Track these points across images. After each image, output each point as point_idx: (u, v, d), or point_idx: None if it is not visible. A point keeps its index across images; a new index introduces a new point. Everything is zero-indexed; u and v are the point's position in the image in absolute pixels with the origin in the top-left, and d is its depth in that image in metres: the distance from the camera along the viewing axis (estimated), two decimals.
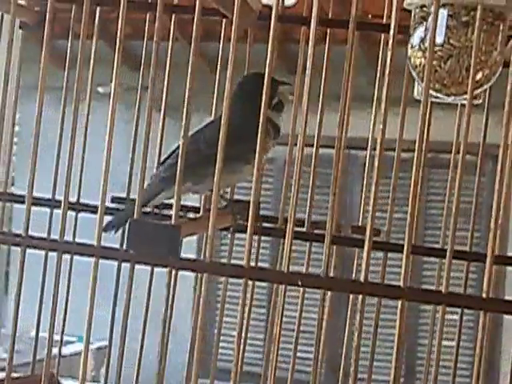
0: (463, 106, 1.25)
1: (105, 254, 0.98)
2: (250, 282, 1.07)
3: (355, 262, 1.23)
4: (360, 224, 1.26)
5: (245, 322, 1.25)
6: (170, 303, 1.25)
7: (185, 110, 0.93)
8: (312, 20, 0.92)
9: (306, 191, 1.21)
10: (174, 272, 1.13)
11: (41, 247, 1.05)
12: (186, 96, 0.94)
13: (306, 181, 1.21)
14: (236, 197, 1.28)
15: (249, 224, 0.91)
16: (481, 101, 1.21)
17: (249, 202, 1.24)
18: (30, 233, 1.05)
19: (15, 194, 1.25)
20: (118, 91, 1.30)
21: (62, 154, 1.26)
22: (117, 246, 1.11)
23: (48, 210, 1.27)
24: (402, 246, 1.23)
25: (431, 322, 1.21)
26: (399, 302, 0.89)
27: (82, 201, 1.29)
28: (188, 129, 0.94)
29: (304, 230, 1.24)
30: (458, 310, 1.02)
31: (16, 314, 1.11)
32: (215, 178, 0.92)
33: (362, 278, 0.89)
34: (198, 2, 0.93)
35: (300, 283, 0.91)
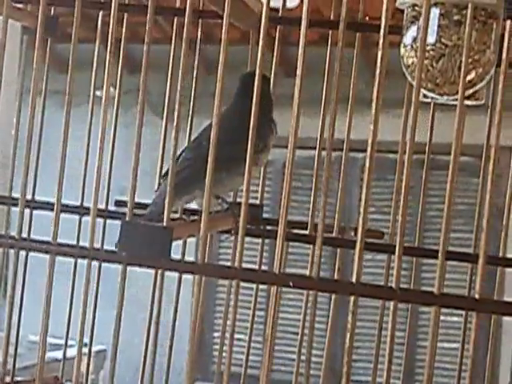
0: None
1: (97, 255, 0.98)
2: (254, 286, 1.07)
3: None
4: None
5: (248, 325, 1.25)
6: (170, 305, 1.24)
7: (176, 113, 0.93)
8: (302, 21, 0.91)
9: (308, 193, 1.21)
10: (178, 275, 1.13)
11: (34, 249, 1.05)
12: (178, 97, 0.93)
13: (308, 183, 1.21)
14: (238, 199, 1.28)
15: (240, 225, 0.91)
16: (482, 102, 1.21)
17: (251, 205, 1.24)
18: (32, 236, 1.05)
19: (15, 197, 1.25)
20: (117, 94, 1.30)
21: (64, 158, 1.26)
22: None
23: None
24: (406, 248, 1.23)
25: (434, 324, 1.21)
26: (391, 303, 0.88)
27: (85, 204, 1.29)
28: (179, 131, 0.93)
29: (307, 232, 1.24)
30: (457, 312, 1.02)
31: (10, 317, 1.11)
32: (207, 180, 0.91)
33: (354, 279, 0.88)
34: (188, 3, 0.93)
35: (291, 284, 0.91)
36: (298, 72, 0.91)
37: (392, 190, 1.22)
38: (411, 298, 0.91)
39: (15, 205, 1.24)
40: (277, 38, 1.27)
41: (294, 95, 0.91)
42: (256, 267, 1.22)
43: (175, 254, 0.99)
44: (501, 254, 1.21)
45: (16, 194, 1.11)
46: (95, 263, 1.03)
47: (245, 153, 0.90)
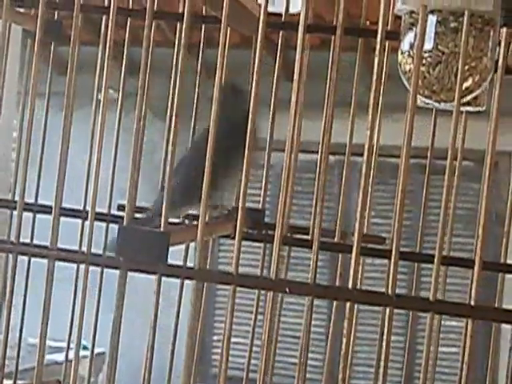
0: (462, 112, 1.26)
1: (94, 260, 0.98)
2: (256, 291, 1.07)
3: (360, 270, 1.22)
4: (364, 232, 1.26)
5: (250, 329, 1.25)
6: (171, 310, 1.24)
7: (173, 119, 0.93)
8: (300, 27, 0.91)
9: (310, 197, 1.21)
10: (180, 281, 1.13)
11: (33, 254, 1.05)
12: (175, 101, 0.94)
13: (309, 187, 1.21)
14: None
15: (237, 230, 0.91)
16: (484, 108, 1.21)
17: (251, 210, 1.24)
18: (37, 240, 1.05)
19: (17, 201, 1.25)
20: (120, 97, 1.30)
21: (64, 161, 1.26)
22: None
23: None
24: (406, 253, 1.23)
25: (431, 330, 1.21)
26: (387, 310, 0.89)
27: (88, 208, 1.29)
28: (176, 135, 0.93)
29: (308, 237, 1.24)
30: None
31: (8, 321, 1.11)
32: (203, 186, 0.91)
33: (350, 285, 0.88)
34: (186, 9, 0.93)
35: (287, 290, 0.91)
36: (296, 77, 0.91)
37: (393, 195, 1.22)
38: (407, 304, 0.92)
39: (14, 208, 1.24)
40: (279, 43, 1.27)
41: (292, 101, 0.92)
42: (257, 271, 1.22)
43: (178, 260, 0.99)
44: (502, 260, 1.21)
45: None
46: (97, 268, 1.03)
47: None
